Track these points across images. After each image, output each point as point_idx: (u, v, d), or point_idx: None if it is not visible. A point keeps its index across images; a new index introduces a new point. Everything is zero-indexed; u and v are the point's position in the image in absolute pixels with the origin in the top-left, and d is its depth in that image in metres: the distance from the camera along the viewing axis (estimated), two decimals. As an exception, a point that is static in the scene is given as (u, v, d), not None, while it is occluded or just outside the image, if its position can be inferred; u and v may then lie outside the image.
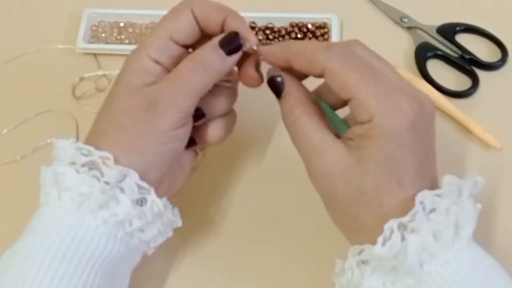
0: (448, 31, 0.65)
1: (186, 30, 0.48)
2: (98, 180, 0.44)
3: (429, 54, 0.64)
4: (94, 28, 0.68)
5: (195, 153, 0.52)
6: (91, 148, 0.44)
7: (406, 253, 0.39)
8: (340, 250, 0.46)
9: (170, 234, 0.49)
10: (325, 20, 0.66)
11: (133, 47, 0.65)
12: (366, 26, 0.67)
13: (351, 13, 0.67)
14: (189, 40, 0.49)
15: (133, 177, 0.44)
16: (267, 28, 0.67)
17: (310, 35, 0.65)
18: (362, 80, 0.42)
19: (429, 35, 0.66)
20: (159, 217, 0.47)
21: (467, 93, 0.61)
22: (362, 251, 0.42)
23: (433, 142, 0.45)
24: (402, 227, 0.40)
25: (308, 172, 0.45)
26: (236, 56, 0.47)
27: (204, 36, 0.49)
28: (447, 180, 0.42)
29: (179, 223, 0.49)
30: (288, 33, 0.66)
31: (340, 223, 0.45)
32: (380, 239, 0.40)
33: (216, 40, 0.47)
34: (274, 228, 0.55)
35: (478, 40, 0.65)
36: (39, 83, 0.66)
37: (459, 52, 0.64)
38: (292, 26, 0.66)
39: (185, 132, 0.47)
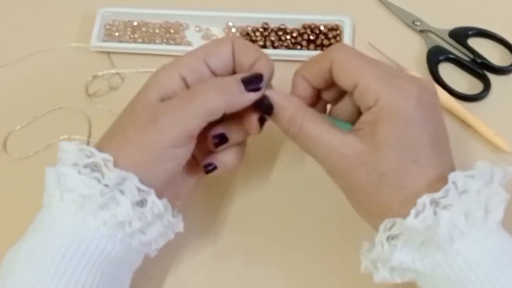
0: (460, 35, 0.65)
1: (222, 57, 0.49)
2: (99, 181, 0.44)
3: (441, 58, 0.64)
4: (108, 27, 0.69)
5: (198, 171, 0.51)
6: (94, 150, 0.45)
7: (438, 227, 0.40)
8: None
9: (171, 236, 0.49)
10: (338, 22, 0.66)
11: (146, 46, 0.67)
12: (378, 29, 0.67)
13: (364, 15, 0.68)
14: (219, 70, 0.49)
15: (133, 180, 0.44)
16: (279, 29, 0.67)
17: (322, 37, 0.66)
18: (366, 66, 0.45)
19: (441, 38, 0.66)
20: (159, 218, 0.47)
21: (478, 96, 0.61)
22: (393, 225, 0.42)
23: (442, 122, 0.46)
24: (435, 203, 0.41)
25: (327, 171, 0.46)
26: (252, 96, 0.47)
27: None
28: (480, 164, 0.43)
29: (180, 227, 0.49)
30: (301, 35, 0.66)
31: (365, 213, 0.46)
32: (413, 211, 0.41)
33: (239, 75, 0.47)
34: (279, 226, 0.56)
35: (490, 44, 0.65)
36: (53, 80, 0.67)
37: (471, 56, 0.64)
38: (304, 27, 0.67)
39: (185, 153, 0.46)
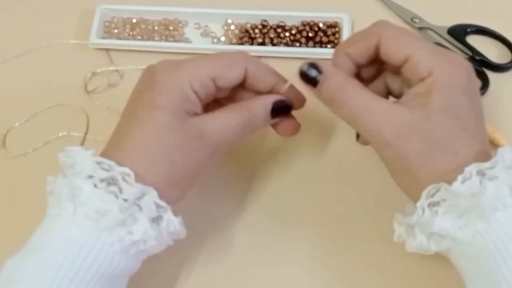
0: (459, 32, 0.65)
1: (231, 80, 0.49)
2: (116, 196, 0.43)
3: (440, 55, 0.64)
4: (107, 24, 0.69)
5: None
6: (112, 163, 0.44)
7: (482, 195, 0.41)
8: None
9: (171, 243, 0.48)
10: (337, 19, 0.66)
11: (145, 43, 0.67)
12: (377, 26, 0.67)
13: (362, 12, 0.67)
14: (225, 89, 0.50)
15: (151, 196, 0.44)
16: (278, 26, 0.67)
17: (321, 34, 0.66)
18: (416, 40, 0.47)
19: (440, 36, 0.66)
20: (172, 234, 0.46)
21: (477, 94, 0.61)
22: (437, 191, 0.43)
23: (480, 101, 0.47)
24: (481, 173, 0.42)
25: (375, 141, 0.46)
26: (277, 118, 0.51)
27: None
28: None
29: (183, 234, 0.48)
30: (299, 32, 0.66)
31: (414, 185, 0.45)
32: (459, 177, 0.41)
33: (270, 101, 0.50)
34: (288, 227, 0.56)
35: (488, 41, 0.65)
36: (52, 77, 0.67)
37: (470, 53, 0.64)
38: (303, 24, 0.67)
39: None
